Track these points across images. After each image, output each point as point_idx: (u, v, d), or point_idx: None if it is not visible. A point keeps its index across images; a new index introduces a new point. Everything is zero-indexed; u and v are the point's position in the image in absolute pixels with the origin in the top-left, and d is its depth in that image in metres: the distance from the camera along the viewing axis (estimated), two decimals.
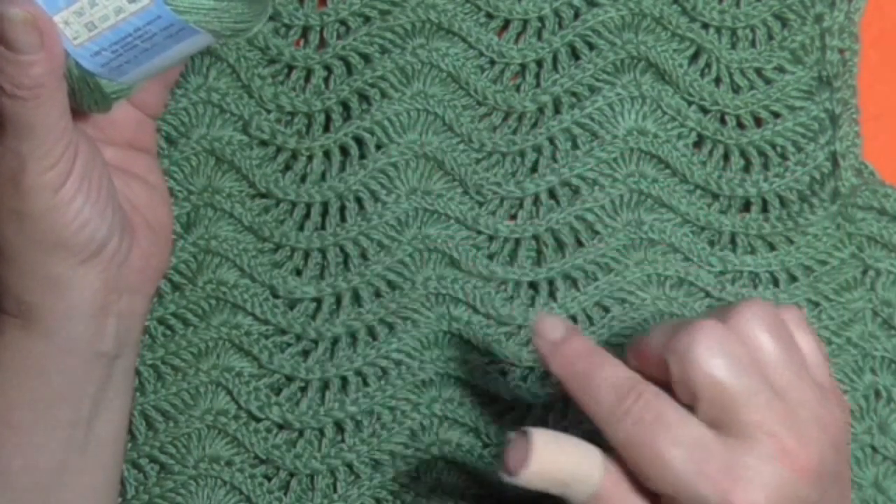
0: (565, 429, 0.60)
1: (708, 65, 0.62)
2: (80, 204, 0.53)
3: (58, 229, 0.53)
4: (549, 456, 0.46)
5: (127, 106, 0.57)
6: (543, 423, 0.61)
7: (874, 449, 0.61)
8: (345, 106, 0.62)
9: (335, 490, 0.61)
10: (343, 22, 0.62)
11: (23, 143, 0.51)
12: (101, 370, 0.56)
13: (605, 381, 0.47)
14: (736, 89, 0.62)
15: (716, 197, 0.62)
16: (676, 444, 0.45)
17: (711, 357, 0.46)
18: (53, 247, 0.53)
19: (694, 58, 0.62)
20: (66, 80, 0.52)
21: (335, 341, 0.61)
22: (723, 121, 0.62)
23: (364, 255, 0.61)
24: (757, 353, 0.47)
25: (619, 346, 0.61)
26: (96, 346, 0.56)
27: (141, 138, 0.59)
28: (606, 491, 0.46)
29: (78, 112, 0.54)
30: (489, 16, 0.62)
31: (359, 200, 0.61)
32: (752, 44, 0.62)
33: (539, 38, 0.62)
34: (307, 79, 0.62)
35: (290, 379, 0.61)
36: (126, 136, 0.58)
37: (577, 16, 0.62)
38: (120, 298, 0.56)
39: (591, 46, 0.62)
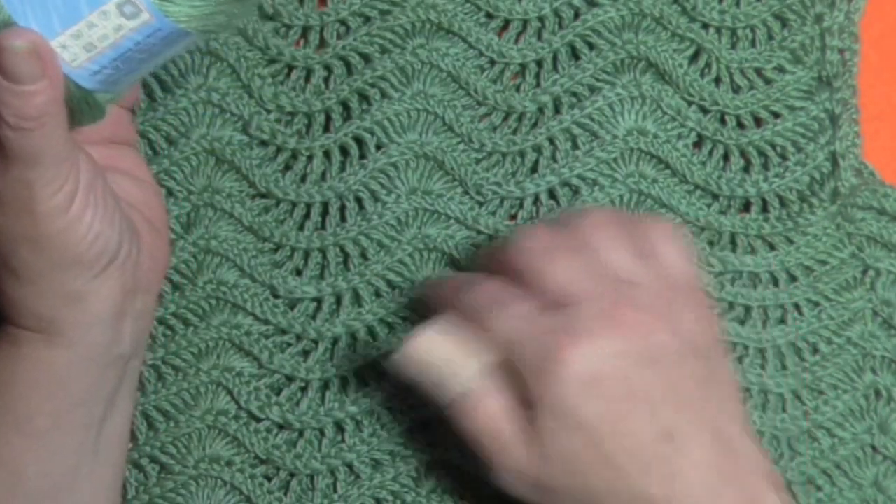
0: None
1: (708, 65, 0.62)
2: (91, 218, 0.52)
3: (73, 246, 0.52)
4: (427, 345, 0.51)
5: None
6: None
7: (874, 449, 0.61)
8: (345, 106, 0.62)
9: (335, 490, 0.61)
10: (343, 22, 0.62)
11: (30, 172, 0.51)
12: (116, 372, 0.56)
13: (451, 286, 0.55)
14: (736, 89, 0.62)
15: (716, 197, 0.62)
16: (510, 315, 0.51)
17: (533, 247, 0.52)
18: (70, 263, 0.53)
19: (694, 58, 0.62)
20: (66, 101, 0.51)
21: (335, 341, 0.61)
22: (723, 121, 0.62)
23: (364, 255, 0.61)
24: (588, 249, 0.52)
25: None
26: (116, 350, 0.56)
27: (120, 132, 0.58)
28: (476, 393, 0.51)
29: None
30: (489, 16, 0.62)
31: (359, 200, 0.61)
32: (752, 44, 0.62)
33: (539, 38, 0.62)
34: (307, 79, 0.62)
35: (290, 379, 0.61)
36: (106, 133, 0.57)
37: (577, 16, 0.62)
38: (135, 300, 0.56)
39: (591, 46, 0.62)
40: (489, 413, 0.51)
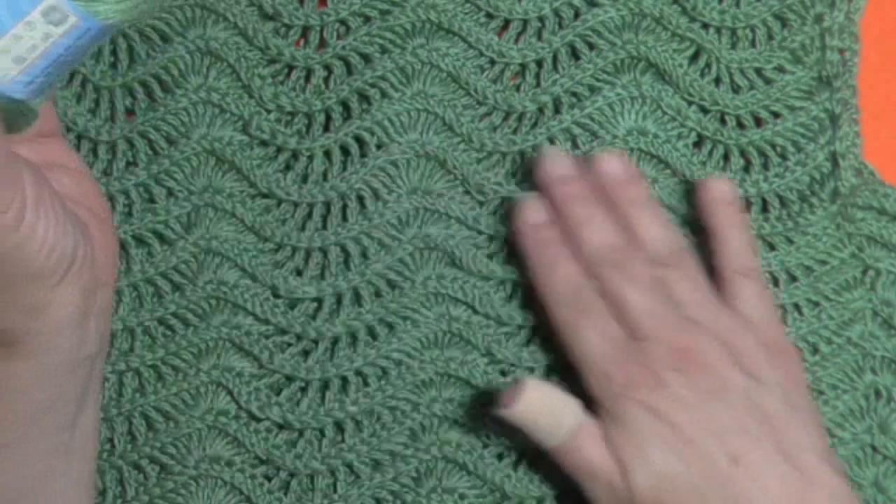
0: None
1: (708, 65, 0.62)
2: (43, 228, 0.51)
3: (29, 261, 0.51)
4: (536, 395, 0.56)
5: None
6: None
7: (874, 449, 0.61)
8: (345, 106, 0.62)
9: (335, 490, 0.61)
10: (343, 22, 0.62)
11: None
12: (85, 372, 0.55)
13: (563, 274, 0.58)
14: (736, 89, 0.62)
15: None
16: (600, 333, 0.56)
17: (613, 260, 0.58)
18: (29, 277, 0.52)
19: (694, 58, 0.62)
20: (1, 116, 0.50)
21: (335, 341, 0.61)
22: (723, 121, 0.62)
23: (365, 255, 0.61)
24: (664, 284, 0.57)
25: None
26: (83, 352, 0.55)
27: (45, 123, 0.57)
28: (578, 435, 0.55)
29: None
30: (489, 16, 0.62)
31: (360, 199, 0.61)
32: (752, 44, 0.62)
33: (539, 38, 0.62)
34: (307, 79, 0.62)
35: (290, 379, 0.61)
36: (33, 129, 0.56)
37: (577, 16, 0.62)
38: (96, 297, 0.55)
39: (591, 46, 0.62)
40: (585, 457, 0.55)
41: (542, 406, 0.56)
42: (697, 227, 0.61)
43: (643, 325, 0.56)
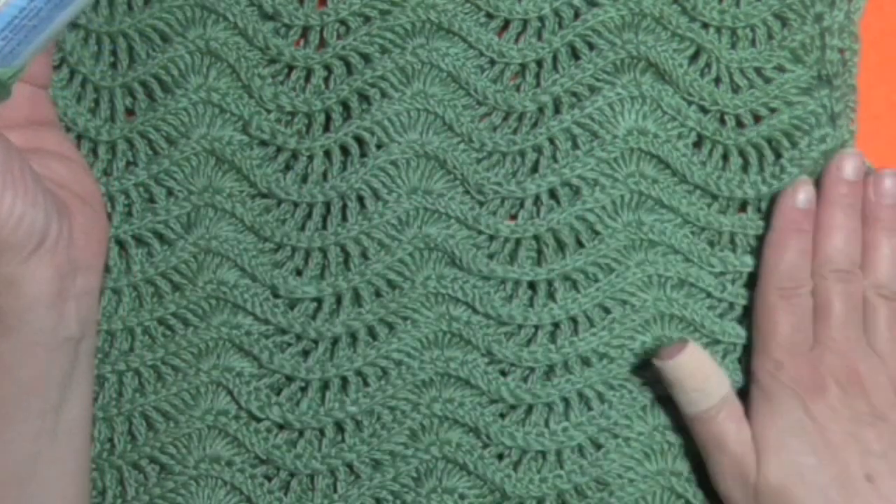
0: (565, 430, 0.61)
1: (708, 65, 0.62)
2: (10, 200, 0.51)
3: None
4: (699, 354, 0.58)
5: (17, 83, 0.55)
6: (544, 424, 0.61)
7: None
8: (345, 106, 0.62)
9: (335, 490, 0.61)
10: (343, 22, 0.62)
11: None
12: (67, 356, 0.56)
13: (793, 262, 0.59)
14: (736, 89, 0.62)
15: (715, 197, 0.62)
16: (793, 325, 0.58)
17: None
18: None
19: (694, 58, 0.62)
20: None
21: (335, 341, 0.61)
22: (722, 121, 0.62)
23: (364, 255, 0.61)
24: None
25: (620, 349, 0.61)
26: (61, 333, 0.55)
27: (39, 112, 0.57)
28: (723, 408, 0.58)
29: None
30: (489, 16, 0.62)
31: (360, 199, 0.61)
32: (752, 43, 0.62)
33: (539, 38, 0.62)
34: (307, 79, 0.62)
35: (290, 379, 0.61)
36: (24, 114, 0.56)
37: (577, 16, 0.62)
38: (75, 280, 0.55)
39: (591, 46, 0.62)
40: (723, 429, 0.58)
41: (697, 369, 0.58)
42: (698, 229, 0.61)
43: (832, 334, 0.58)
